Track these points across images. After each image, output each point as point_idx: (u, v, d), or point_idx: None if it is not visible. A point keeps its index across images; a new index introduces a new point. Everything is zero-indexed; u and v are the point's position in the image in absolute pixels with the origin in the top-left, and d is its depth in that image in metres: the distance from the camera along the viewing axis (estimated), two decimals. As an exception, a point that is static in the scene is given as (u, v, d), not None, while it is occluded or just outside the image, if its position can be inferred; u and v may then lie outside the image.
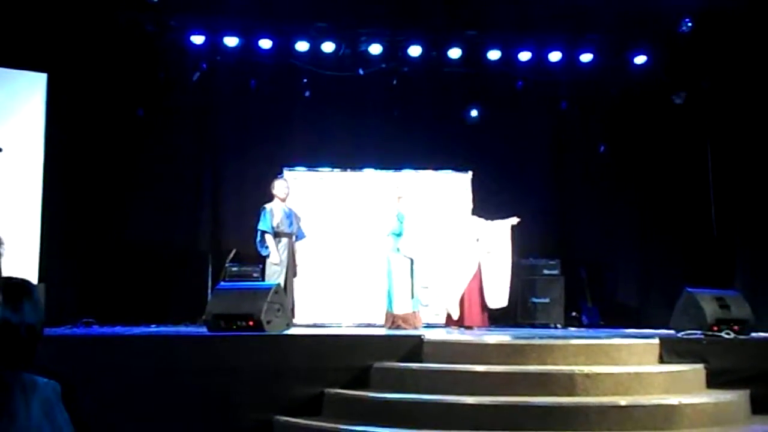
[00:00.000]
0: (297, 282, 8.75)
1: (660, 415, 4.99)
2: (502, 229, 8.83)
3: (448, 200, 10.10)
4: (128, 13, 9.12)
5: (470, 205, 9.01)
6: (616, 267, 10.57)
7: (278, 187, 8.52)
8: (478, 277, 8.75)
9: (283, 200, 8.48)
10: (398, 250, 8.57)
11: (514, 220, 8.81)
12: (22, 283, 2.13)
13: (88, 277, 9.26)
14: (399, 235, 8.59)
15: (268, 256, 8.30)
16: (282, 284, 7.58)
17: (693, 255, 9.99)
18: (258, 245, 8.36)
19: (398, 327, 8.33)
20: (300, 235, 8.63)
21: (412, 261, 8.55)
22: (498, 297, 8.77)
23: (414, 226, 8.68)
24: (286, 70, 10.12)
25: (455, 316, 8.67)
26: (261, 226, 8.28)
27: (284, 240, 8.37)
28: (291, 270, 8.38)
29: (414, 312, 8.49)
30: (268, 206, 8.40)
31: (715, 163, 10.00)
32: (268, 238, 8.26)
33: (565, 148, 10.85)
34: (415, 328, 8.25)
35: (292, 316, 8.10)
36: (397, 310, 8.46)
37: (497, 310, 8.95)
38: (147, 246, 9.73)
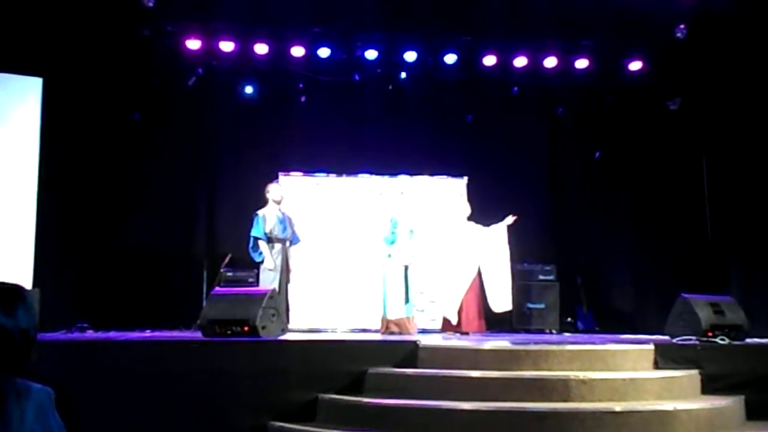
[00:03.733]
0: (292, 287, 8.74)
1: (655, 421, 4.99)
2: (499, 232, 8.80)
3: (444, 205, 10.09)
4: (124, 18, 9.10)
5: (468, 211, 8.99)
6: (611, 273, 10.59)
7: (273, 191, 8.51)
8: (476, 283, 8.74)
9: (278, 203, 8.47)
10: (390, 256, 8.57)
11: (510, 220, 8.77)
12: (15, 288, 2.13)
13: (83, 281, 9.23)
14: (392, 242, 8.59)
15: (262, 261, 8.29)
16: (276, 290, 7.56)
17: (688, 261, 10.01)
18: (251, 251, 8.35)
19: (392, 332, 8.33)
20: (294, 240, 8.61)
21: (406, 267, 8.54)
22: (502, 301, 8.75)
23: (409, 232, 8.68)
24: (281, 75, 10.13)
25: (453, 322, 8.66)
26: (254, 233, 8.28)
27: (278, 245, 8.36)
28: (285, 275, 8.36)
29: (408, 317, 8.48)
30: (260, 212, 8.39)
31: (710, 169, 10.03)
32: (262, 244, 8.25)
33: (560, 154, 10.87)
34: (409, 333, 8.24)
35: (287, 321, 8.09)
36: (390, 315, 8.47)
37: (503, 313, 8.93)
38: (142, 251, 9.72)
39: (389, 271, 8.56)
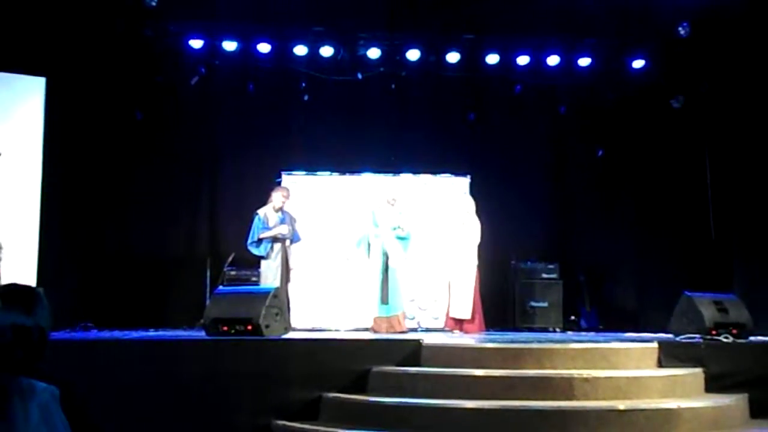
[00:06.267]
0: (295, 286, 8.73)
1: (659, 420, 4.99)
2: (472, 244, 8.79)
3: (447, 204, 10.06)
4: (127, 18, 9.11)
5: (473, 206, 8.96)
6: (614, 271, 10.56)
7: (275, 198, 8.48)
8: (476, 280, 8.72)
9: (277, 211, 8.46)
10: (348, 260, 8.68)
11: None
12: (32, 289, 2.16)
13: (86, 280, 9.24)
14: (358, 246, 8.66)
15: (263, 256, 8.30)
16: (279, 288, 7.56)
17: (691, 259, 10.00)
18: (251, 246, 8.33)
19: (373, 331, 8.38)
20: (295, 238, 8.59)
21: (385, 265, 8.51)
22: (464, 307, 8.67)
23: (397, 239, 8.65)
24: (284, 74, 10.12)
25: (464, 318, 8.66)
26: (252, 236, 8.29)
27: (278, 245, 8.36)
28: (284, 275, 8.35)
29: (386, 317, 8.44)
30: (261, 212, 8.38)
31: (713, 167, 10.01)
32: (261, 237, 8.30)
33: (563, 152, 10.85)
34: (385, 332, 8.23)
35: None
36: (373, 314, 8.50)
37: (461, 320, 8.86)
38: (145, 250, 9.73)
39: (366, 272, 8.62)
